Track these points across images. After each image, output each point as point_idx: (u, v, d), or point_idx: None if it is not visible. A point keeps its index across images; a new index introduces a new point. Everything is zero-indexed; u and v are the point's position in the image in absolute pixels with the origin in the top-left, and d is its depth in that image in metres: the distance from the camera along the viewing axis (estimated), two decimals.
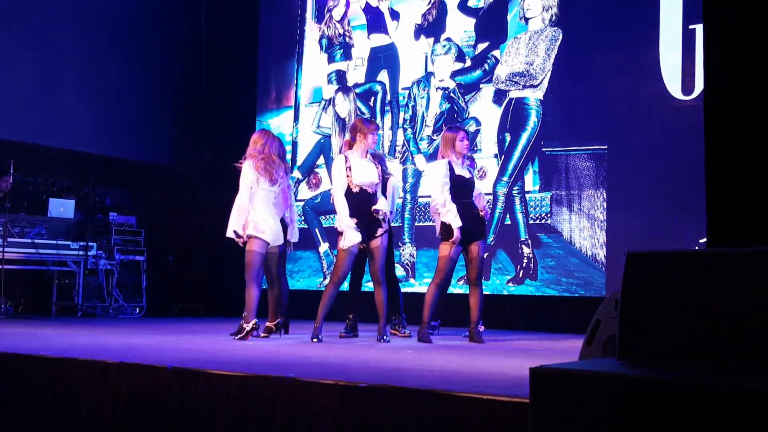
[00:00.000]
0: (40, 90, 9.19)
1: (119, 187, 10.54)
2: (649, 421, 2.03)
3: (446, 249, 5.98)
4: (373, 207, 5.92)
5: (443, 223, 6.01)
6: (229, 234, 6.04)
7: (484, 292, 6.90)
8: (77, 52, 9.53)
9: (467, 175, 6.14)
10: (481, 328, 6.46)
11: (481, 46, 8.64)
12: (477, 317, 6.09)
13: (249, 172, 5.97)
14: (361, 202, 5.92)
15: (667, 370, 2.18)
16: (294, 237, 6.52)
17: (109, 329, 6.85)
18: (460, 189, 6.05)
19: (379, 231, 5.93)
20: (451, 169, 6.04)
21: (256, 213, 5.95)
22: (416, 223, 8.82)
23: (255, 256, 5.94)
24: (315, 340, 5.78)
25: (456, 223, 5.92)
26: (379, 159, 6.47)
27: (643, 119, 7.56)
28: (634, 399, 2.07)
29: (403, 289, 7.23)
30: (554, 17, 8.16)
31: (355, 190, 5.93)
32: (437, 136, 8.71)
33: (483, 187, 8.08)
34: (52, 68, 9.28)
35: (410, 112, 9.01)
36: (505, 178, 8.26)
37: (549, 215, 7.99)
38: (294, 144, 9.81)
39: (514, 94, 8.33)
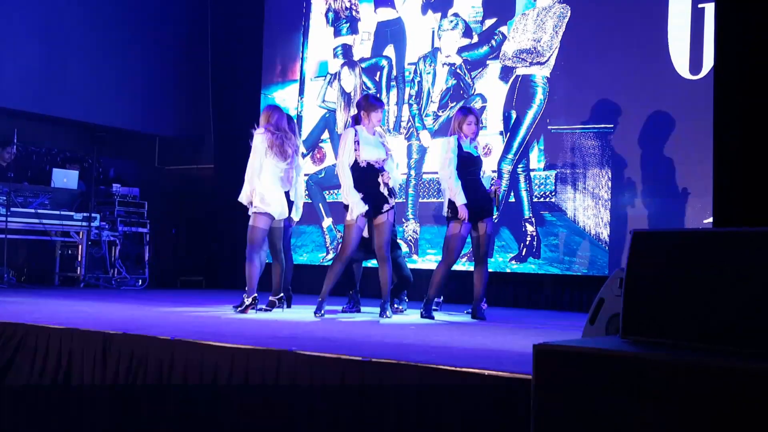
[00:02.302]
0: (45, 60, 9.16)
1: (123, 159, 10.53)
2: (651, 400, 2.03)
3: (456, 228, 5.96)
4: (383, 174, 5.87)
5: (451, 202, 5.99)
6: (240, 199, 6.08)
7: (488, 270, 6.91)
8: (83, 23, 9.48)
9: (475, 153, 6.13)
10: (484, 306, 6.46)
11: (489, 22, 8.57)
12: (481, 294, 6.10)
13: (260, 144, 5.98)
14: (367, 176, 5.89)
15: (671, 349, 2.18)
16: (296, 215, 6.52)
17: (112, 300, 6.87)
18: (468, 166, 6.04)
19: (385, 207, 5.90)
20: (460, 146, 6.03)
21: (263, 185, 5.94)
22: (420, 200, 8.80)
23: (258, 232, 5.95)
24: (318, 315, 5.78)
25: (460, 200, 5.91)
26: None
27: (650, 98, 7.51)
28: (636, 377, 2.07)
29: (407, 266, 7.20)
30: None
31: (363, 164, 5.90)
32: (443, 112, 8.67)
33: (488, 164, 8.05)
34: (57, 38, 9.24)
35: (416, 88, 8.96)
36: (510, 156, 8.23)
37: (553, 193, 7.97)
38: (299, 118, 9.76)
39: (521, 71, 8.28)
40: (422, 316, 5.95)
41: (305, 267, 9.22)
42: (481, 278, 6.10)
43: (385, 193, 5.90)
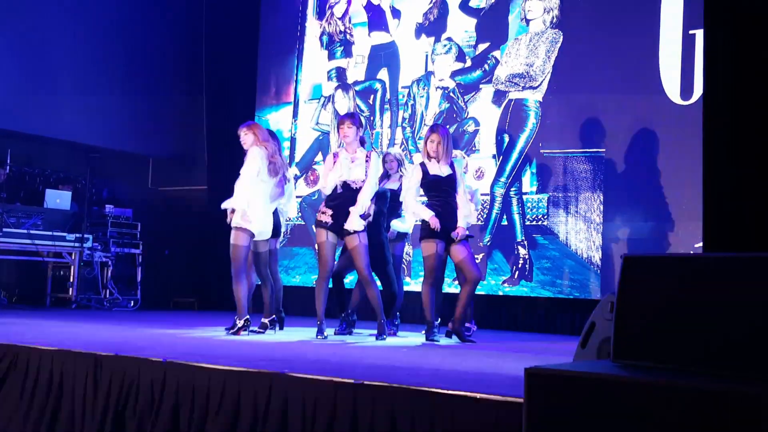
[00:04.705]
0: (38, 80, 9.17)
1: (117, 180, 10.53)
2: (641, 424, 2.04)
3: (430, 248, 5.89)
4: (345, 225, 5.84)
5: (423, 221, 5.95)
6: (225, 205, 5.98)
7: (480, 292, 6.90)
8: (75, 43, 9.51)
9: (445, 173, 5.98)
10: (474, 327, 6.45)
11: (482, 47, 8.65)
12: (459, 314, 5.93)
13: (259, 159, 5.92)
14: (342, 197, 5.90)
15: (662, 373, 2.19)
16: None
17: (104, 322, 6.85)
18: (433, 189, 5.98)
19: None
20: (425, 172, 5.97)
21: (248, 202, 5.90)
22: (415, 222, 8.82)
23: (240, 250, 5.86)
24: (320, 337, 5.76)
25: (427, 214, 5.86)
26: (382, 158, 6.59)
27: (641, 123, 7.57)
28: (627, 401, 2.08)
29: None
30: (555, 19, 8.17)
31: (339, 183, 5.92)
32: None
33: (481, 187, 8.08)
34: (50, 59, 9.27)
35: (409, 111, 9.01)
36: (503, 179, 8.27)
37: (546, 217, 8.00)
38: (292, 140, 9.80)
39: (514, 95, 8.34)
40: (427, 340, 5.89)
41: (298, 289, 9.21)
42: (462, 297, 5.93)
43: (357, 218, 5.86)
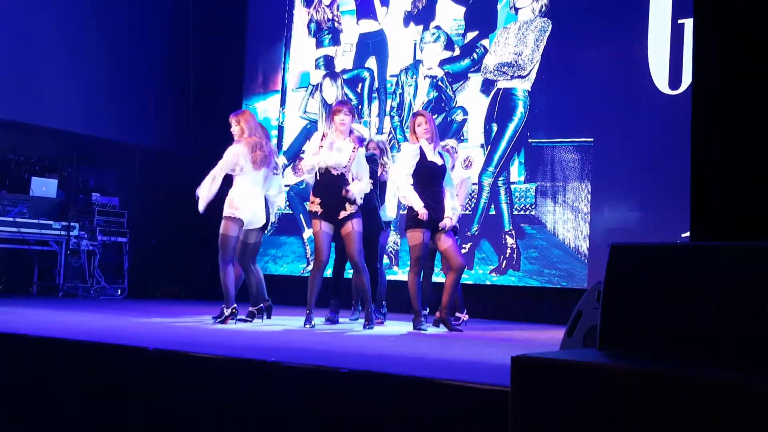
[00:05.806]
0: (23, 67, 9.09)
1: (103, 168, 10.47)
2: (627, 412, 2.05)
3: (418, 236, 5.83)
4: (347, 187, 5.78)
5: (409, 210, 5.91)
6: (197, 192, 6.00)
7: (467, 281, 6.90)
8: (62, 30, 9.43)
9: (440, 162, 5.95)
10: (465, 316, 6.45)
11: (471, 35, 8.63)
12: (447, 302, 5.90)
13: (232, 155, 5.91)
14: (324, 182, 5.84)
15: (647, 362, 2.19)
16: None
17: (90, 310, 6.82)
18: (428, 176, 5.89)
19: (342, 213, 5.81)
20: (423, 155, 5.89)
21: (235, 190, 5.90)
22: (401, 211, 8.82)
23: (228, 240, 5.86)
24: (308, 326, 5.75)
25: (418, 204, 5.78)
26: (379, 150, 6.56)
27: (629, 112, 7.58)
28: (613, 389, 2.08)
29: (387, 277, 7.20)
30: (544, 8, 8.15)
31: (321, 170, 5.84)
32: None
33: (469, 176, 8.08)
34: (37, 46, 9.19)
35: (398, 100, 8.99)
36: (491, 168, 8.27)
37: (533, 206, 8.01)
38: (280, 129, 9.77)
39: (502, 84, 8.33)
40: (414, 328, 5.87)
41: (286, 278, 9.20)
42: (448, 286, 5.89)
43: (349, 197, 5.81)
